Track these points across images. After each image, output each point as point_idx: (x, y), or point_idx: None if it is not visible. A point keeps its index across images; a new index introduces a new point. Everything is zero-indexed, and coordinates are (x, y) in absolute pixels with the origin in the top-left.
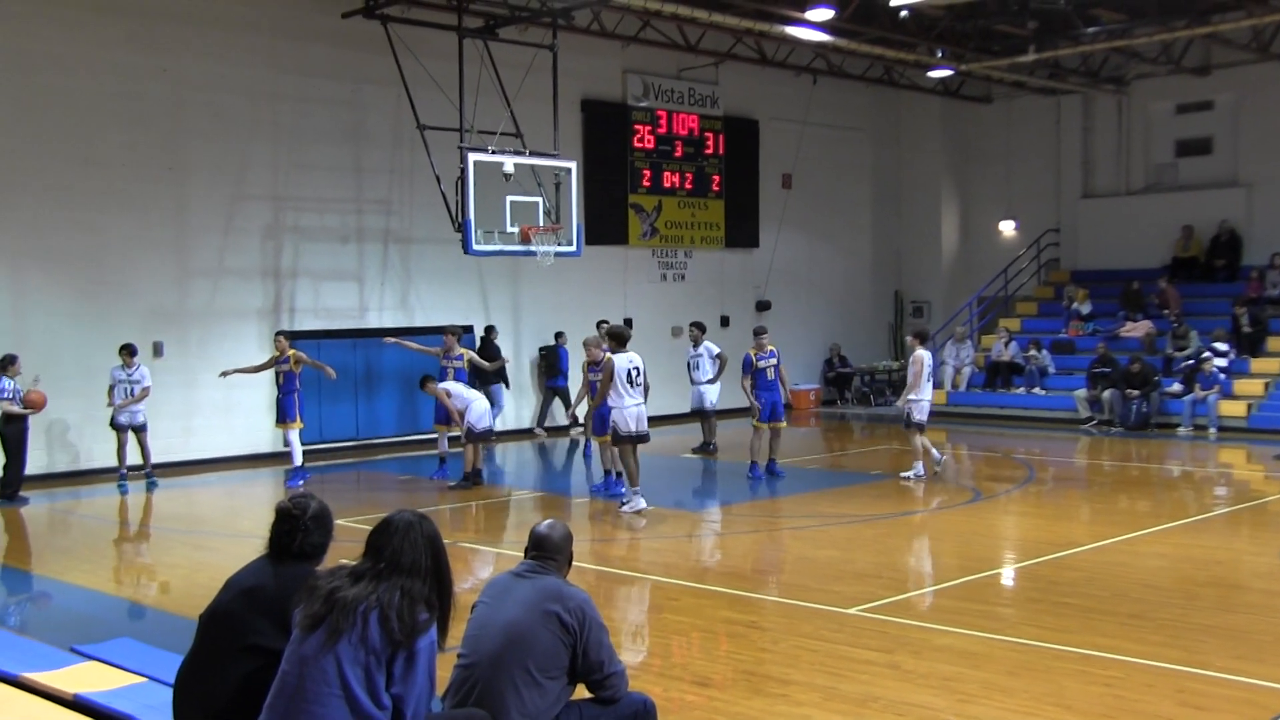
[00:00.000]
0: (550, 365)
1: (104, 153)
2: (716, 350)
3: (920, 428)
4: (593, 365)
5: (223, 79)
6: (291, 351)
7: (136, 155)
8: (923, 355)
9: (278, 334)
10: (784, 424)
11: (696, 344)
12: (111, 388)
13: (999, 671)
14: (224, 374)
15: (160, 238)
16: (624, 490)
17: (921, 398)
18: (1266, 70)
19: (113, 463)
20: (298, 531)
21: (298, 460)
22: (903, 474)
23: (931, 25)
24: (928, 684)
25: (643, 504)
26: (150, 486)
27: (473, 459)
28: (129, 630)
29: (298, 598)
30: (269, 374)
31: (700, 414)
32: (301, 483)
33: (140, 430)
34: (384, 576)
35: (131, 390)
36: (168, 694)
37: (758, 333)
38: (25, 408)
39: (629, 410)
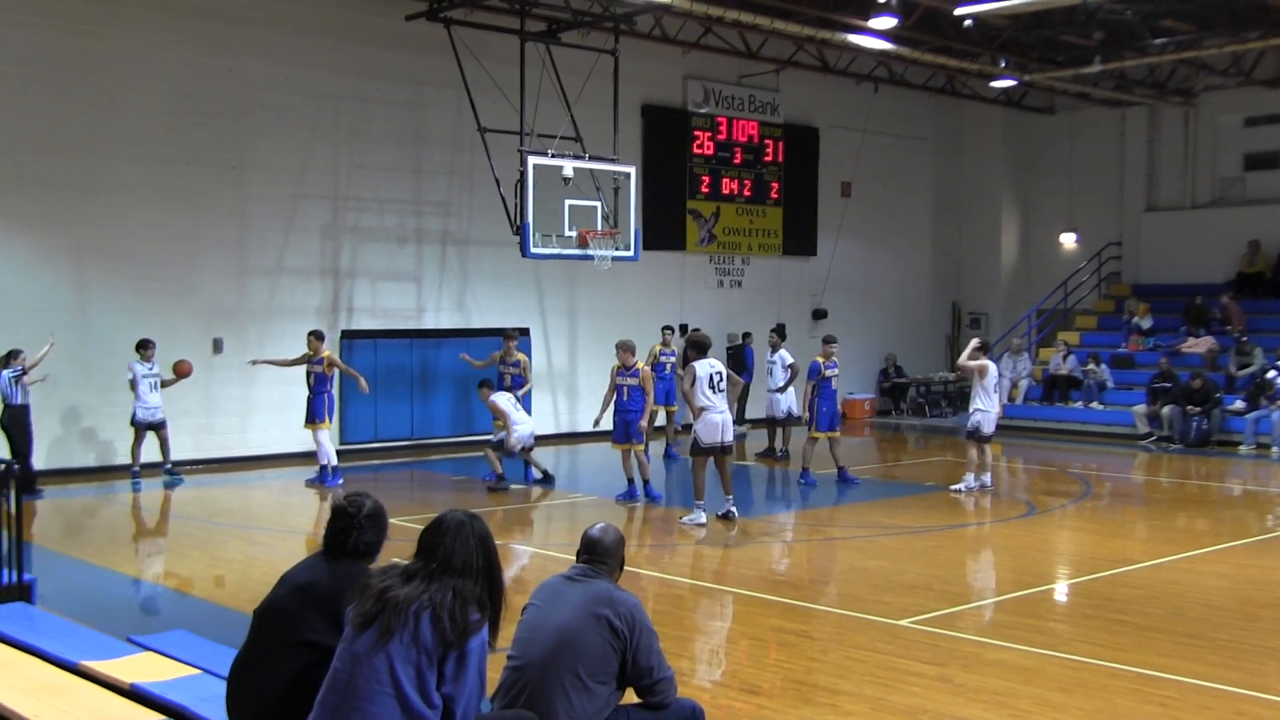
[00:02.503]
0: (736, 363)
1: (168, 151)
2: (790, 359)
3: (986, 440)
4: (623, 369)
5: (285, 80)
6: (326, 354)
7: (199, 154)
8: (989, 365)
9: (310, 333)
10: (839, 434)
11: (775, 349)
12: (133, 383)
13: (1051, 688)
14: (253, 362)
15: (221, 236)
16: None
17: (990, 409)
18: None
19: (173, 456)
20: (352, 529)
21: (329, 460)
22: (953, 486)
23: (995, 35)
24: (979, 698)
25: (704, 519)
26: (173, 484)
27: (497, 464)
28: (184, 622)
29: (350, 595)
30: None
31: (771, 420)
32: (341, 481)
33: (160, 427)
34: (436, 576)
35: (155, 384)
36: (221, 686)
37: (827, 341)
38: (177, 375)
39: (712, 419)
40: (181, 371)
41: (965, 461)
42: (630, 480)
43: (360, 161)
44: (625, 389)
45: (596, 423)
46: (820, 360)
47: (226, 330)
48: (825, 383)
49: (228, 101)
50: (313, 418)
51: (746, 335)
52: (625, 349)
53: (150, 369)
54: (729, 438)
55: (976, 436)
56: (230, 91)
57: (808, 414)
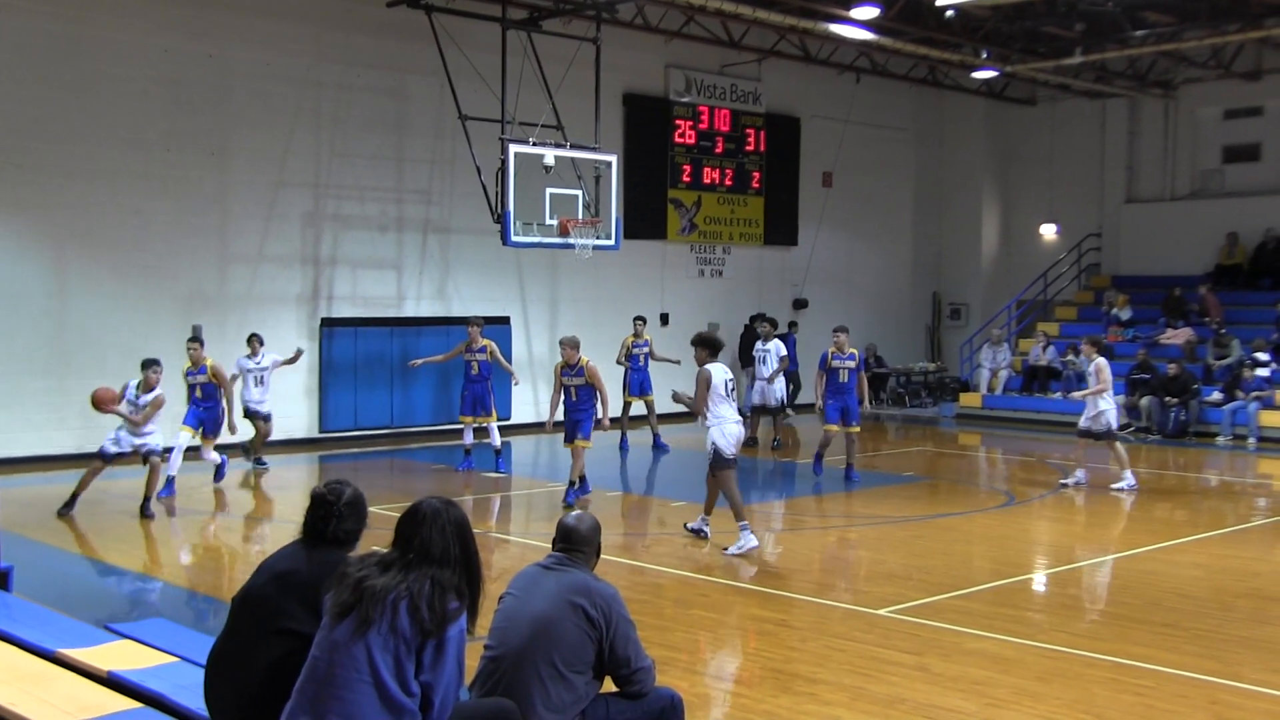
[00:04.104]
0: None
1: (149, 137)
2: (784, 352)
3: (1116, 436)
4: (567, 368)
5: (268, 67)
6: (488, 343)
7: (181, 140)
8: (1104, 362)
9: (469, 322)
10: (857, 428)
11: (766, 339)
12: (235, 376)
13: (1029, 677)
14: (413, 364)
15: (202, 223)
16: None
17: (1111, 406)
18: None
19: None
20: (331, 517)
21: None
22: (1114, 485)
23: (977, 26)
24: (957, 687)
25: (754, 540)
26: (258, 467)
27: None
28: (163, 610)
29: (329, 583)
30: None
31: (761, 410)
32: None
33: (267, 419)
34: (413, 566)
35: (262, 378)
36: (200, 674)
37: (837, 331)
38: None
39: (732, 429)
40: (98, 401)
41: (1117, 459)
42: (572, 482)
43: (342, 149)
44: (572, 388)
45: (549, 428)
46: (830, 351)
47: (206, 318)
48: (833, 374)
49: (209, 88)
50: (485, 409)
51: (792, 325)
52: (569, 345)
53: (258, 362)
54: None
55: (1111, 435)
56: (212, 78)
57: (819, 404)
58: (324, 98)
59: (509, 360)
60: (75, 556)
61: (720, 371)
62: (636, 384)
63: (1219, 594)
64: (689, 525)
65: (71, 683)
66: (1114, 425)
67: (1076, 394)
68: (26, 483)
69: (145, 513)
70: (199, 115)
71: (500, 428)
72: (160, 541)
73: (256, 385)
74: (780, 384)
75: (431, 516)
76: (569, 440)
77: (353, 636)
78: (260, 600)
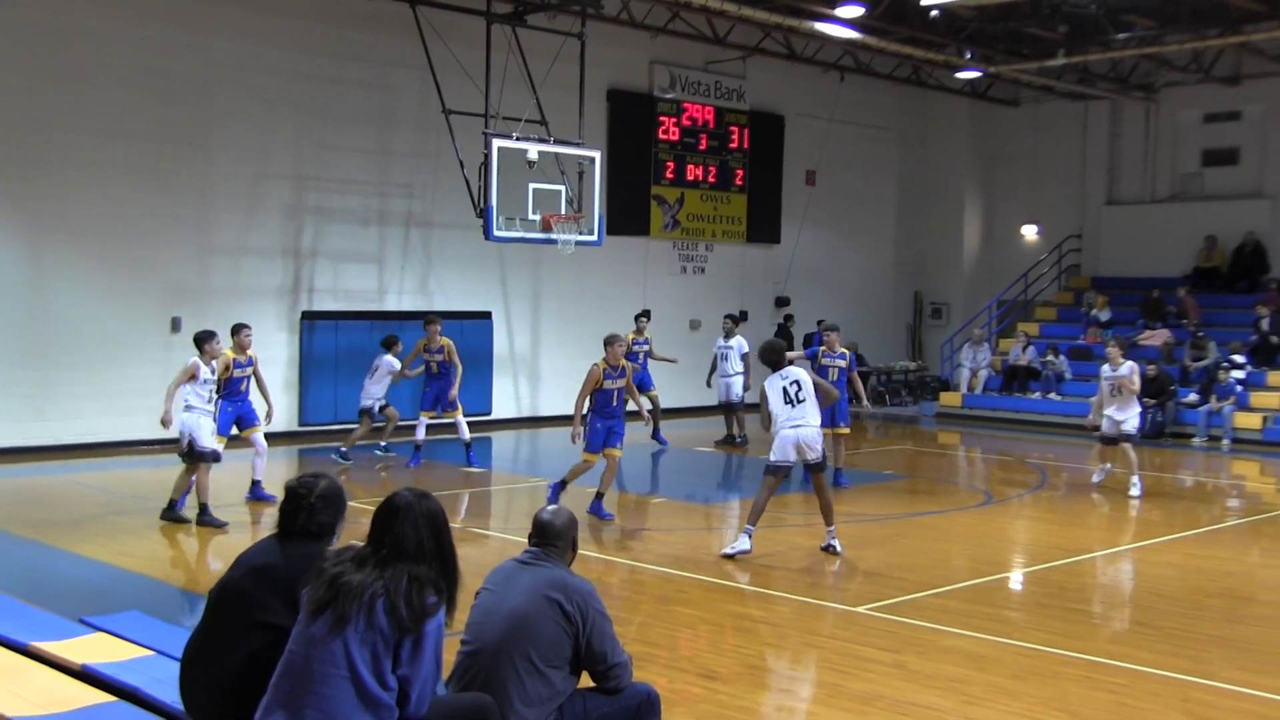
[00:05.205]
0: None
1: (131, 127)
2: (746, 349)
3: (1135, 440)
4: (610, 369)
5: (252, 58)
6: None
7: (163, 131)
8: (1135, 365)
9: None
10: (846, 430)
11: (729, 336)
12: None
13: (1005, 675)
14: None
15: (183, 214)
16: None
17: (1137, 409)
18: None
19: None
20: (301, 510)
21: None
22: (1130, 492)
23: (961, 26)
24: (933, 685)
25: (745, 544)
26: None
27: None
28: (139, 604)
29: (306, 577)
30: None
31: (727, 407)
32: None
33: (366, 412)
34: (388, 562)
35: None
36: (175, 668)
37: (828, 330)
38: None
39: (784, 433)
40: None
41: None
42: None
43: (325, 142)
44: (614, 392)
45: (577, 437)
46: (820, 350)
47: (186, 309)
48: (822, 373)
49: (193, 79)
50: (449, 404)
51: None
52: (620, 344)
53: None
54: (814, 454)
55: (1132, 438)
56: (196, 69)
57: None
58: (308, 90)
59: (490, 356)
60: (50, 549)
61: (777, 381)
62: (637, 380)
63: (1193, 593)
64: (820, 545)
65: (45, 676)
66: (1138, 431)
67: (1108, 397)
68: (2, 475)
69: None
70: (181, 106)
71: (480, 422)
72: (139, 534)
73: (375, 383)
74: (741, 380)
75: (404, 511)
76: (605, 447)
77: (329, 633)
78: (237, 593)
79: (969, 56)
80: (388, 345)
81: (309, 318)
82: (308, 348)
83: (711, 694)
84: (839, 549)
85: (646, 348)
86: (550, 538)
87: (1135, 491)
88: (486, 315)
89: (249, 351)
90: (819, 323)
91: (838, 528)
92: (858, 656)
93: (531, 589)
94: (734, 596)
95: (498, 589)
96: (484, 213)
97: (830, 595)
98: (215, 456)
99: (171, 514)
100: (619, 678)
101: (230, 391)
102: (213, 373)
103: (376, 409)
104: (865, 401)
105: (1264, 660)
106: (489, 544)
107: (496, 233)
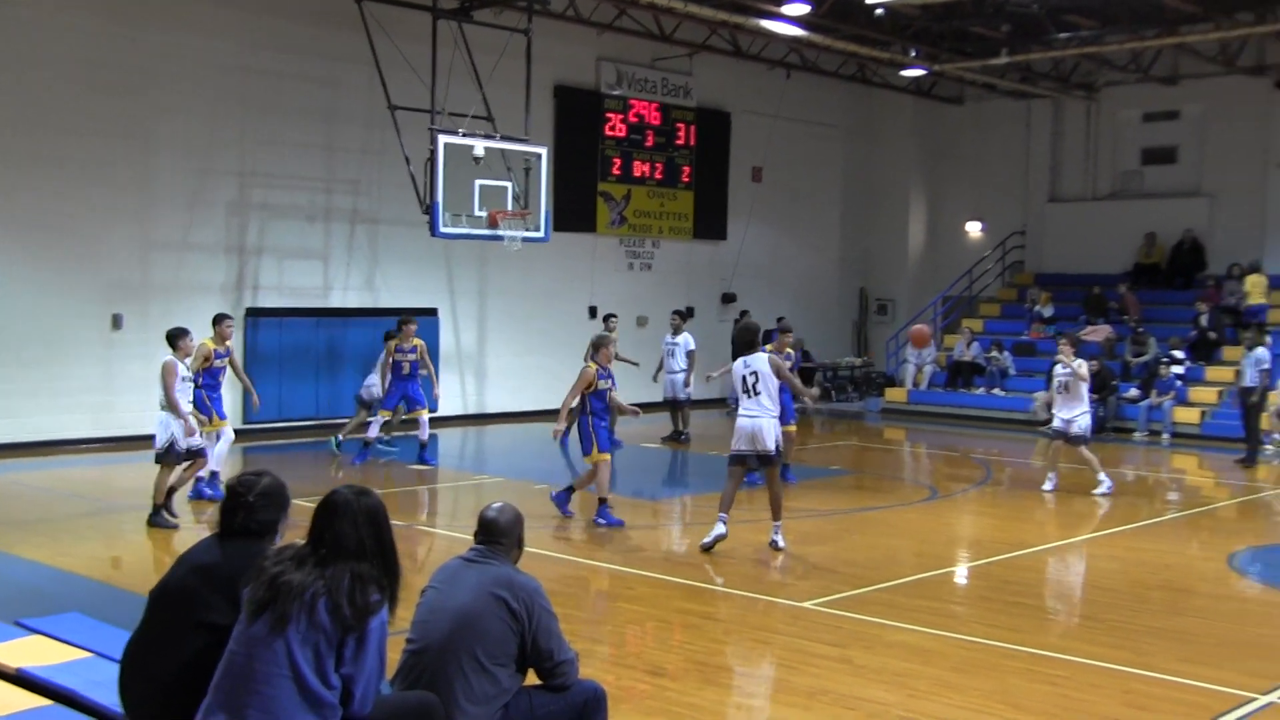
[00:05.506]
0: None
1: (71, 121)
2: (692, 346)
3: (1089, 439)
4: (603, 370)
5: (195, 51)
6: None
7: (103, 124)
8: (1084, 363)
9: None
10: (793, 427)
11: (676, 332)
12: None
13: (949, 668)
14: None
15: (124, 209)
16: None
17: (1088, 408)
18: (1232, 83)
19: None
20: (240, 509)
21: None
22: (1095, 490)
23: (906, 24)
24: (879, 679)
25: (722, 531)
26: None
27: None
28: (78, 605)
29: (247, 576)
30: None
31: (673, 403)
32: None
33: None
34: (328, 561)
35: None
36: (114, 670)
37: (781, 331)
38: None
39: (739, 423)
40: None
41: (1089, 465)
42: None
43: (269, 137)
44: (605, 393)
45: (559, 435)
46: (772, 350)
47: (128, 306)
48: None
49: (134, 71)
50: (419, 403)
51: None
52: (611, 344)
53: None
54: (763, 445)
55: (1086, 439)
56: (137, 61)
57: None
58: (252, 85)
59: (437, 353)
60: None
61: (739, 365)
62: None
63: (1133, 586)
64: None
65: None
66: (1089, 429)
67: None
68: None
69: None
70: (122, 99)
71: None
72: (78, 534)
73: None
74: (685, 378)
75: (343, 508)
76: (600, 450)
77: (271, 633)
78: (178, 593)
79: (914, 55)
80: (391, 338)
81: (253, 314)
82: (252, 345)
83: (659, 691)
84: (782, 544)
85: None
86: (496, 535)
87: (1102, 490)
88: (433, 312)
89: (228, 342)
90: (779, 320)
91: (784, 523)
92: (804, 652)
93: (477, 587)
94: (681, 593)
95: (443, 587)
96: (430, 209)
97: (777, 590)
98: (201, 452)
99: (159, 518)
100: (565, 675)
101: (210, 382)
102: (188, 369)
103: (375, 400)
104: (807, 400)
105: (1202, 651)
106: (435, 541)
107: (443, 229)
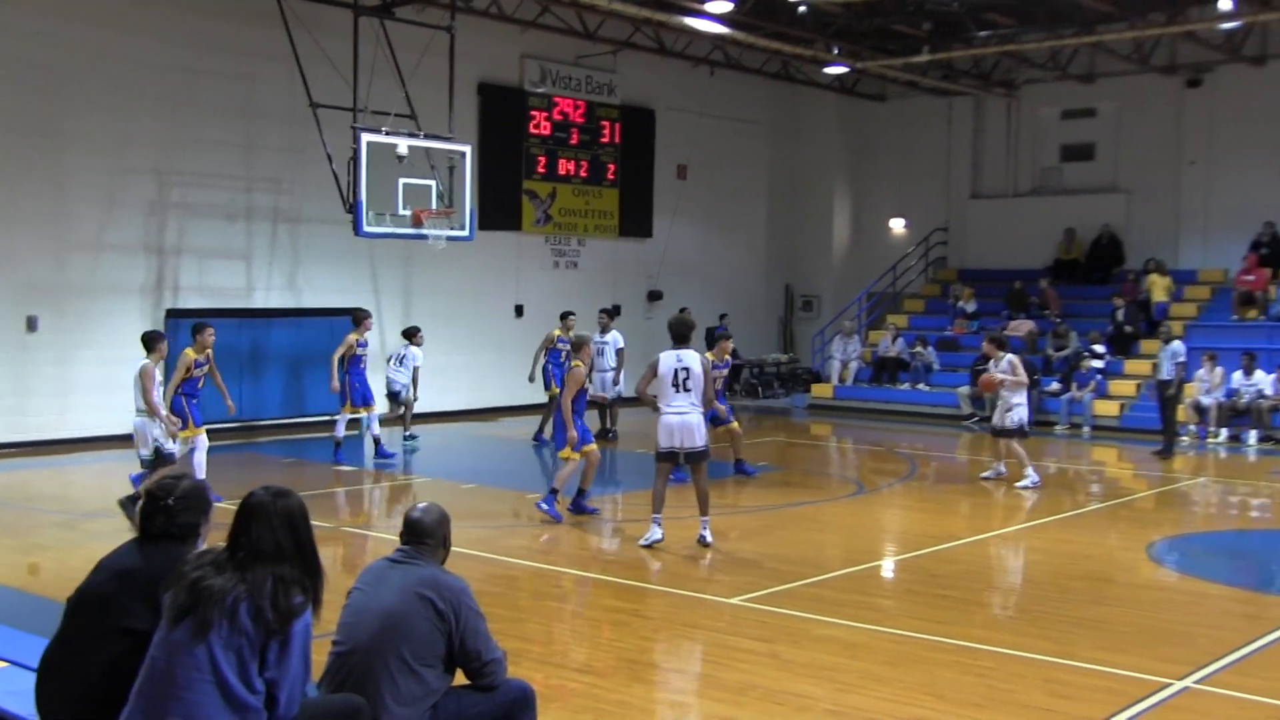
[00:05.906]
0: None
1: None
2: (621, 344)
3: (1025, 435)
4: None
5: (109, 46)
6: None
7: (12, 121)
8: (1015, 358)
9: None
10: (735, 423)
11: (604, 330)
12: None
13: (877, 662)
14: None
15: (36, 208)
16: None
17: (1024, 402)
18: (1146, 81)
19: None
20: (159, 513)
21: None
22: (1019, 484)
23: (829, 22)
24: (807, 673)
25: (659, 535)
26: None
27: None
28: None
29: (167, 581)
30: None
31: (601, 403)
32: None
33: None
34: (247, 565)
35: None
36: (30, 679)
37: (719, 338)
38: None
39: (665, 420)
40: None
41: (1017, 459)
42: (553, 490)
43: (188, 135)
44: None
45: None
46: (711, 357)
47: (43, 308)
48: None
49: (43, 66)
50: (372, 399)
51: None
52: (589, 344)
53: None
54: (692, 442)
55: (1022, 432)
56: (47, 56)
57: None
58: (168, 81)
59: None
60: None
61: (670, 360)
62: (560, 379)
63: (1056, 576)
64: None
65: None
66: (1025, 422)
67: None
68: None
69: None
70: (33, 95)
71: (354, 419)
72: None
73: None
74: (614, 376)
75: (258, 510)
76: (584, 445)
77: (192, 639)
78: (97, 599)
79: (836, 52)
80: (409, 336)
81: (174, 315)
82: (173, 346)
83: (588, 688)
84: (710, 540)
85: (567, 346)
86: (421, 535)
87: (1027, 483)
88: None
89: (208, 350)
90: (721, 317)
91: (712, 519)
92: (732, 647)
93: (403, 587)
94: (609, 590)
95: (369, 588)
96: (353, 208)
97: (705, 587)
98: (173, 457)
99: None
100: (494, 674)
101: (189, 389)
102: (163, 373)
103: (402, 395)
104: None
105: (1121, 639)
106: (361, 542)
107: (366, 228)
